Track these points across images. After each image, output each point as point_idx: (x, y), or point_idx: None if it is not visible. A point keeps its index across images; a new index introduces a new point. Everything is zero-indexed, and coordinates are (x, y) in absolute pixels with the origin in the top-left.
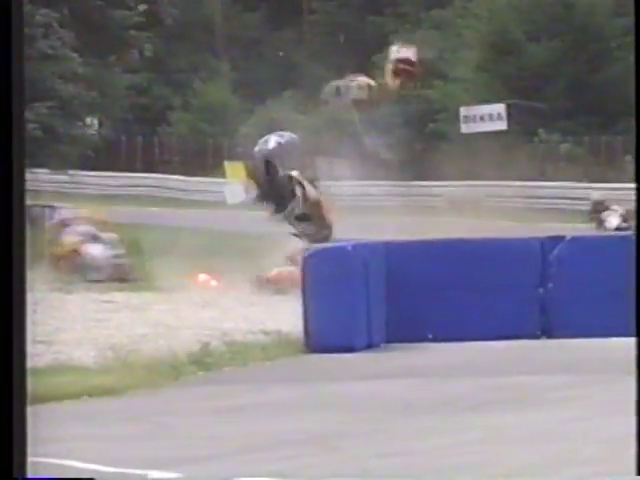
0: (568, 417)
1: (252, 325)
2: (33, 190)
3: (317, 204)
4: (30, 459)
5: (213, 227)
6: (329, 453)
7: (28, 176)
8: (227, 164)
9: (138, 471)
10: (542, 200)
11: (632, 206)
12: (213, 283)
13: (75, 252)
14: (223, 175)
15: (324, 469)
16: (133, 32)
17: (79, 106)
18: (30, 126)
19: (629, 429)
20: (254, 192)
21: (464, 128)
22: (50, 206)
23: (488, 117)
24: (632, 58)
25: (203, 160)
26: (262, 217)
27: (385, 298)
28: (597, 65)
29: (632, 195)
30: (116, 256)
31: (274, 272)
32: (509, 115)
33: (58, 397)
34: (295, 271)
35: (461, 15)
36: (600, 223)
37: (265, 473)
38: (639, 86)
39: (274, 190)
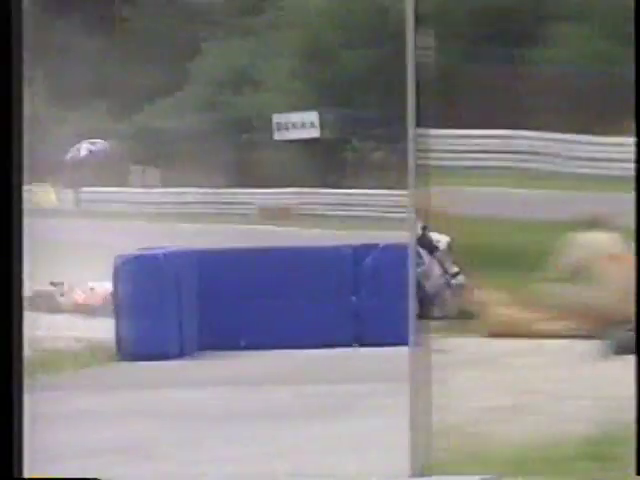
0: (377, 426)
1: (60, 333)
2: None
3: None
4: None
5: None
6: (143, 461)
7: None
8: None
9: None
10: (355, 208)
11: None
12: None
13: None
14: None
15: (138, 477)
16: None
17: None
18: None
19: None
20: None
21: (277, 135)
22: None
23: (300, 125)
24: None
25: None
26: None
27: (197, 306)
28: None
29: None
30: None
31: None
32: (322, 123)
33: None
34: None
35: (275, 24)
36: None
37: None
38: (639, 86)
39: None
